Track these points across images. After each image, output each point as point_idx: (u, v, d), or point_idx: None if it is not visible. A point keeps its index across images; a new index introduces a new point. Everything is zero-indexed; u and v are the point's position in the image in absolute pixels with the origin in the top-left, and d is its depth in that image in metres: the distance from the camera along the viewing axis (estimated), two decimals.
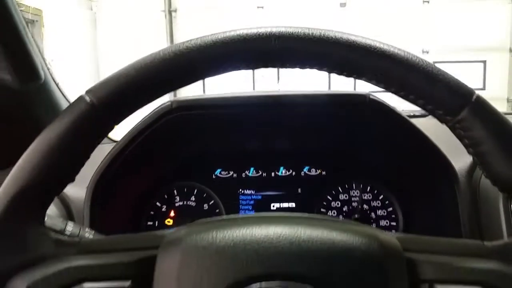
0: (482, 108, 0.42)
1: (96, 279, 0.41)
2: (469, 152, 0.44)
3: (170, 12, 5.67)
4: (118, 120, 0.45)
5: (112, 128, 0.45)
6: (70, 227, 0.54)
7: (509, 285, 0.40)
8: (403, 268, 0.41)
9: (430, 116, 1.05)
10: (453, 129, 0.43)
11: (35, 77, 0.67)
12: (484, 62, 5.10)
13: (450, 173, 0.68)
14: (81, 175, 0.74)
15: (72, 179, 0.44)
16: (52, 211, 0.69)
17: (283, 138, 0.82)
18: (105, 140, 1.06)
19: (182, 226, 0.44)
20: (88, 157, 0.45)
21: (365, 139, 0.75)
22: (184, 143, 0.78)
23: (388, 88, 0.43)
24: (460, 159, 0.75)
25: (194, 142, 0.79)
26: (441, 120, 0.44)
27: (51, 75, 0.77)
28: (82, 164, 0.44)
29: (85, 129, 0.42)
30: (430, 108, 0.43)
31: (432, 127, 0.70)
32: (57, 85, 0.81)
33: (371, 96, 0.67)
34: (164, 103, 0.70)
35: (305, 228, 0.42)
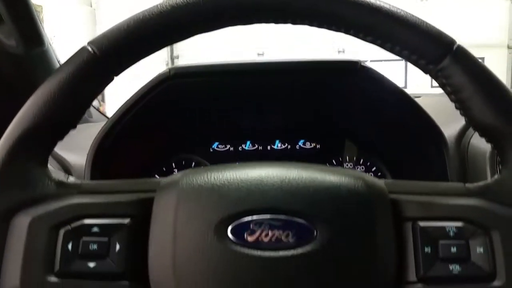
0: (463, 56, 0.44)
1: (96, 216, 0.43)
2: (451, 100, 0.46)
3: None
4: (118, 71, 0.47)
5: (112, 79, 0.48)
6: (71, 180, 0.56)
7: (490, 220, 0.42)
8: (387, 207, 0.43)
9: (421, 98, 1.08)
10: (435, 77, 0.46)
11: (39, 42, 0.69)
12: (482, 59, 5.13)
13: (439, 140, 0.70)
14: (80, 146, 0.76)
15: (74, 126, 0.47)
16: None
17: (278, 111, 0.84)
18: (101, 117, 1.08)
19: (177, 172, 0.46)
20: (88, 106, 0.47)
21: (356, 109, 0.76)
22: (182, 114, 0.80)
23: (375, 40, 0.46)
24: (448, 127, 0.77)
25: (192, 114, 0.81)
26: (425, 70, 0.46)
27: (52, 47, 0.79)
28: (83, 112, 0.47)
29: (87, 76, 0.45)
30: (414, 58, 0.45)
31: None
32: (57, 59, 0.84)
33: (362, 63, 0.69)
34: (163, 71, 0.72)
35: (295, 170, 0.45)
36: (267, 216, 0.41)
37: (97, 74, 0.46)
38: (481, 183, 0.45)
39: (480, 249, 0.41)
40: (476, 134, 0.73)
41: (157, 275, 0.41)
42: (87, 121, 1.07)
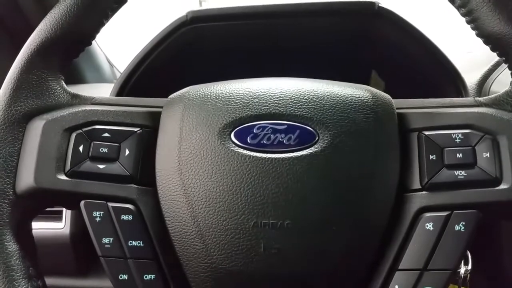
0: None
1: (107, 123, 0.44)
2: (461, 14, 0.45)
3: (200, 3, 5.75)
4: None
5: (126, 1, 0.49)
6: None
7: (497, 125, 0.41)
8: (393, 118, 0.43)
9: None
10: None
11: None
12: None
13: (459, 82, 0.69)
14: None
15: (89, 42, 0.48)
16: None
17: (299, 58, 0.83)
18: None
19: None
20: (103, 24, 0.48)
21: (376, 50, 0.75)
22: (201, 60, 0.80)
23: None
24: (470, 76, 0.75)
25: (212, 60, 0.81)
26: None
27: None
28: (97, 30, 0.48)
29: None
30: None
31: None
32: None
33: (379, 4, 0.68)
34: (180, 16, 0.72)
35: (302, 81, 0.45)
36: (270, 121, 0.41)
37: None
38: (491, 96, 0.44)
39: (486, 154, 0.40)
40: (497, 81, 0.71)
41: (164, 177, 0.42)
42: (112, 82, 1.10)
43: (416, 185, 0.41)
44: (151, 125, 0.45)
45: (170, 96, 0.46)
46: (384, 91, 0.46)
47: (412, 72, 0.74)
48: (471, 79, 0.75)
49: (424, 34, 0.69)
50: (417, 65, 0.72)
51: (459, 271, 0.54)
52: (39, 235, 0.64)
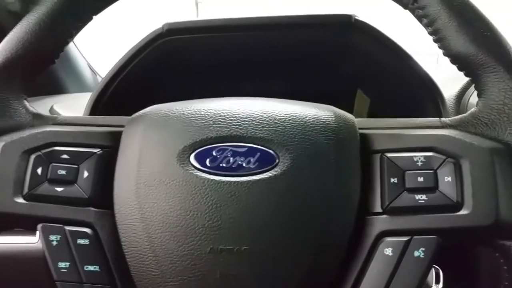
0: None
1: (67, 145, 0.44)
2: (428, 33, 0.44)
3: (196, 4, 5.76)
4: (96, 9, 0.48)
5: (90, 18, 0.48)
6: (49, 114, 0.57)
7: (460, 149, 0.40)
8: (355, 139, 0.42)
9: None
10: (412, 11, 0.45)
11: None
12: None
13: (438, 99, 0.69)
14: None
15: (52, 61, 0.48)
16: None
17: (277, 73, 0.83)
18: None
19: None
20: (67, 42, 0.48)
21: (354, 65, 0.75)
22: (178, 74, 0.79)
23: None
24: (448, 88, 0.75)
25: (188, 79, 0.80)
26: (402, 4, 0.45)
27: None
28: (61, 48, 0.48)
29: (65, 12, 0.45)
30: None
31: None
32: None
33: (356, 17, 0.68)
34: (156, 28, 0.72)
35: (263, 101, 0.44)
36: (231, 143, 0.41)
37: (75, 11, 0.46)
38: (457, 117, 0.44)
39: (448, 178, 0.39)
40: (476, 93, 0.71)
41: (121, 200, 0.41)
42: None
43: (377, 208, 0.40)
44: (111, 146, 0.44)
45: (133, 115, 0.46)
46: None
47: (393, 86, 0.73)
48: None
49: (400, 46, 0.68)
50: (397, 79, 0.71)
51: None
52: (12, 250, 0.63)
